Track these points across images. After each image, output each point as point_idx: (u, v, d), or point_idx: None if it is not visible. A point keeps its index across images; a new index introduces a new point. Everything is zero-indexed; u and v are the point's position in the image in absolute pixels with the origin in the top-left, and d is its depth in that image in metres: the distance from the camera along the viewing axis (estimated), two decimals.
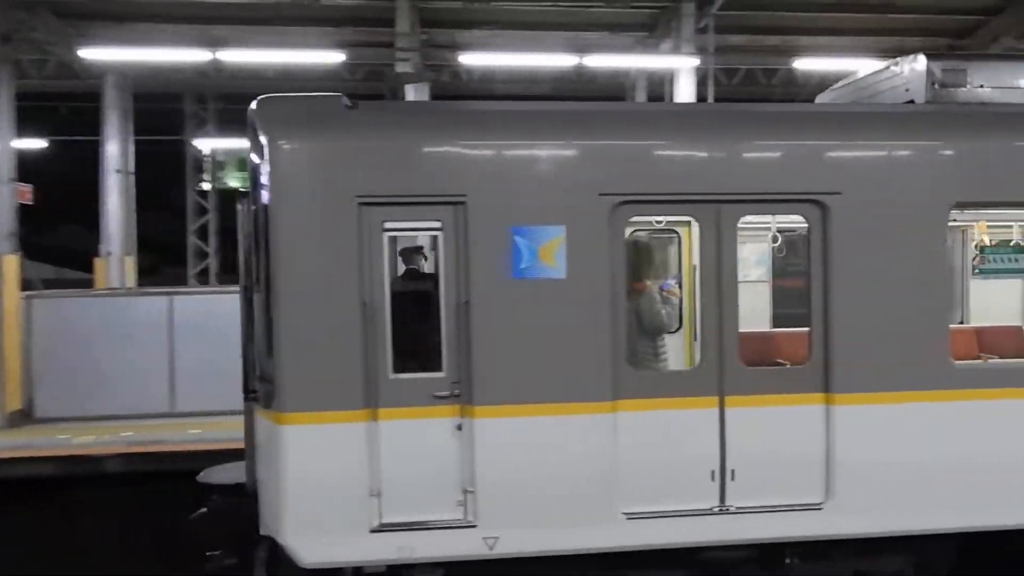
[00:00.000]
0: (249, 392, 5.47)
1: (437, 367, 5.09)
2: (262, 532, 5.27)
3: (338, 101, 5.22)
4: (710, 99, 11.43)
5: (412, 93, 11.55)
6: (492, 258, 5.06)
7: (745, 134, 5.53)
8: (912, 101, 6.08)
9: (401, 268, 5.48)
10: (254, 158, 5.37)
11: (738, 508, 5.28)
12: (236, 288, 5.60)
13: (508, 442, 5.07)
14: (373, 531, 5.01)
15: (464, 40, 11.96)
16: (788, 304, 7.10)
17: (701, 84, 11.48)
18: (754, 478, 5.27)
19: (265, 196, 5.07)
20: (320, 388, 4.97)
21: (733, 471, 5.25)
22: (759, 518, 5.28)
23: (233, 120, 16.92)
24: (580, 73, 11.94)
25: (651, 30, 12.03)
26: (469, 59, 12.02)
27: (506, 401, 5.06)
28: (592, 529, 5.15)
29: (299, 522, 4.96)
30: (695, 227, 5.88)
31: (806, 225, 5.41)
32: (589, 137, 5.31)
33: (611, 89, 12.30)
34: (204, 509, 5.92)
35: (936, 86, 5.98)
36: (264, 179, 5.06)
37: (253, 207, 5.42)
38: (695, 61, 11.28)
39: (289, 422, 4.96)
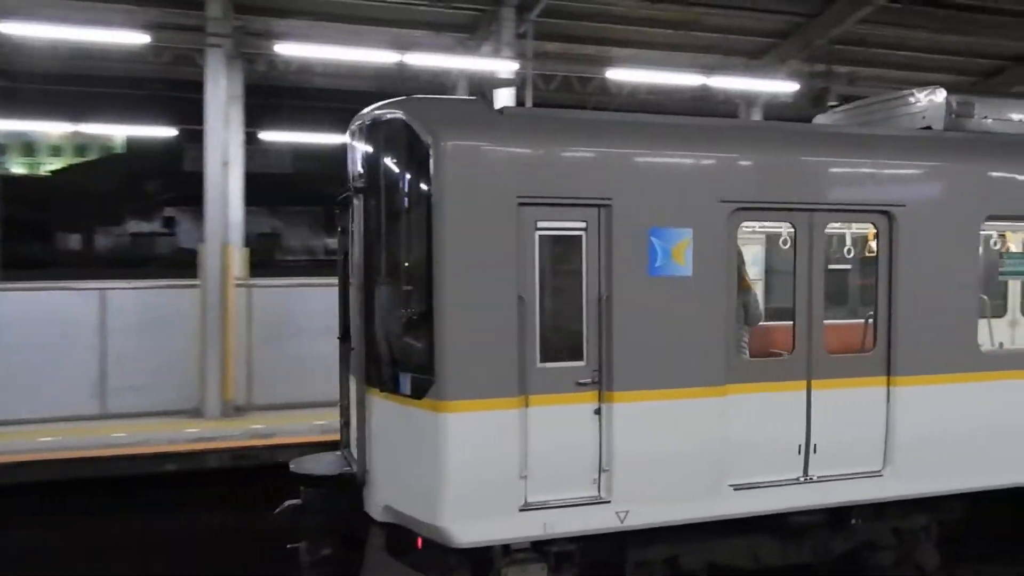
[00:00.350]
0: (370, 380, 5.69)
1: (579, 356, 5.52)
2: (380, 518, 5.58)
3: (487, 105, 5.90)
4: (528, 103, 11.75)
5: (223, 80, 11.02)
6: (632, 257, 5.57)
7: (833, 154, 6.28)
8: (929, 127, 6.98)
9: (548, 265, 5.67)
10: (393, 158, 5.73)
11: (819, 477, 6.07)
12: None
13: (639, 424, 5.57)
14: (521, 510, 5.36)
15: (281, 29, 11.66)
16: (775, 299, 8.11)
17: (520, 88, 11.80)
18: (831, 451, 6.08)
19: (421, 194, 5.32)
20: (480, 377, 5.25)
21: (815, 445, 6.04)
22: (834, 485, 6.11)
23: (17, 100, 15.31)
24: (402, 71, 11.87)
25: (472, 32, 12.17)
26: (286, 49, 11.68)
27: (639, 387, 5.56)
28: (706, 501, 5.78)
29: (456, 505, 5.23)
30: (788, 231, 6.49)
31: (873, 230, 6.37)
32: (714, 150, 5.93)
33: (432, 88, 12.31)
34: (295, 501, 6.11)
35: (953, 116, 6.91)
36: (421, 178, 5.31)
37: (376, 203, 5.71)
38: (514, 65, 11.55)
39: (451, 410, 5.20)
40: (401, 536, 5.61)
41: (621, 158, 5.67)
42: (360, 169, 5.96)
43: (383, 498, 5.61)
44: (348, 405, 6.21)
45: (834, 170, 6.23)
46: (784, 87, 12.49)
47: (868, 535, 6.49)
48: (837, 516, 6.33)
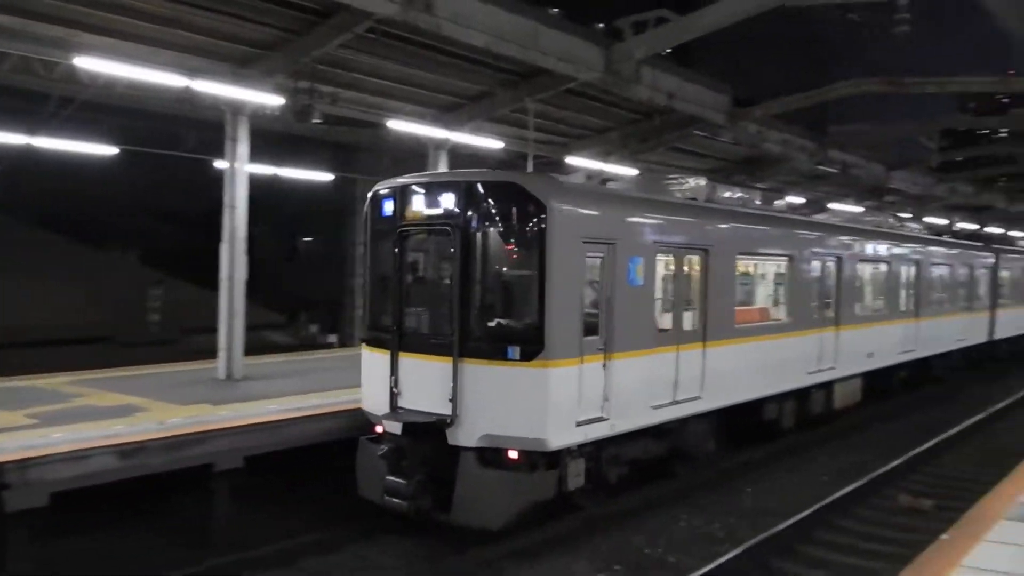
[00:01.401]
0: (465, 354, 8.60)
1: (597, 332, 9.07)
2: (476, 444, 8.54)
3: (560, 182, 9.74)
4: None
5: None
6: (622, 273, 9.33)
7: (681, 214, 11.24)
8: (695, 199, 11.91)
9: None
10: (505, 209, 8.85)
11: (680, 399, 10.36)
12: None
13: (622, 371, 9.27)
14: (577, 425, 8.81)
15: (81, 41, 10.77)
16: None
17: None
18: (685, 385, 10.43)
19: (537, 232, 8.61)
20: (563, 346, 8.59)
21: (679, 382, 10.33)
22: (685, 405, 10.48)
23: None
24: None
25: None
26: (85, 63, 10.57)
27: (622, 350, 9.27)
28: (644, 415, 9.84)
29: (552, 424, 8.51)
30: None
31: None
32: (652, 215, 10.32)
33: None
34: (395, 445, 8.99)
35: (708, 192, 12.13)
36: (539, 224, 8.60)
37: (484, 238, 8.89)
38: None
39: (552, 366, 8.47)
40: (487, 456, 8.60)
41: (620, 218, 9.80)
42: (457, 210, 8.84)
43: (480, 430, 8.57)
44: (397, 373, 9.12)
45: (681, 219, 11.06)
46: (271, 99, 12.61)
47: (693, 429, 11.00)
48: (685, 423, 10.71)
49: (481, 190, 8.94)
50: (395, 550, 9.05)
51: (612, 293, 9.21)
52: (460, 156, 18.11)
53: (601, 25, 32.36)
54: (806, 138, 22.39)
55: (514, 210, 8.79)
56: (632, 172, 19.38)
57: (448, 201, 8.93)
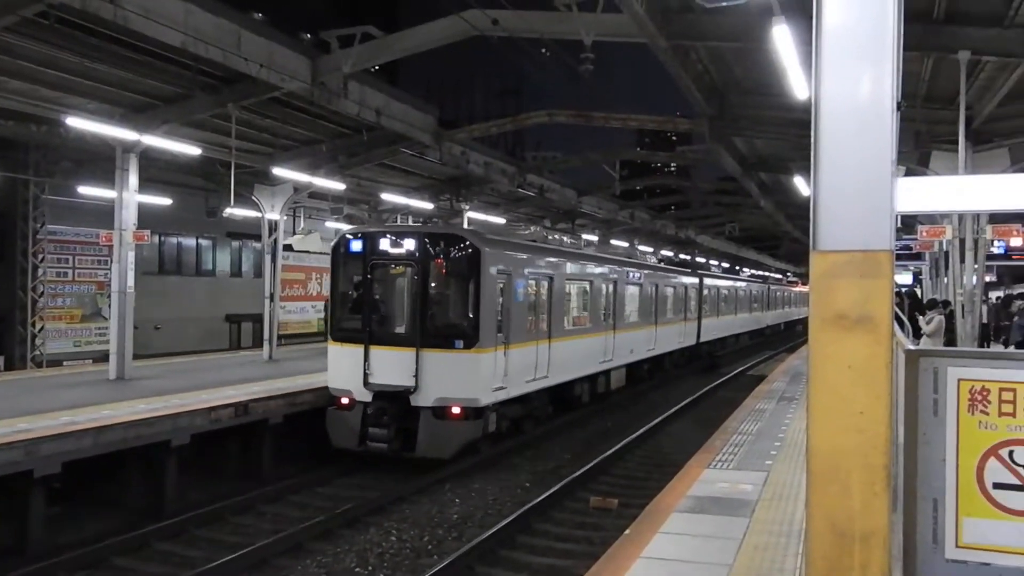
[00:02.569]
0: (425, 344, 12.77)
1: (501, 331, 13.64)
2: (432, 404, 12.65)
3: (482, 233, 14.43)
4: None
5: None
6: (512, 292, 14.00)
7: (539, 253, 16.05)
8: (534, 240, 17.38)
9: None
10: (452, 251, 13.31)
11: (538, 377, 15.13)
12: None
13: (513, 358, 13.87)
14: (494, 391, 13.25)
15: None
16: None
17: None
18: (544, 367, 15.33)
19: (472, 265, 13.11)
20: (490, 339, 13.02)
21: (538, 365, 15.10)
22: (542, 381, 15.35)
23: None
24: None
25: None
26: None
27: (514, 343, 13.85)
28: (524, 386, 14.54)
29: (481, 389, 12.91)
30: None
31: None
32: (547, 257, 16.38)
33: None
34: (375, 407, 12.82)
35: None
36: (473, 260, 13.10)
37: (437, 268, 13.39)
38: None
39: (482, 352, 12.82)
40: (438, 412, 12.66)
41: (512, 256, 14.46)
42: (417, 251, 13.17)
43: (434, 395, 12.67)
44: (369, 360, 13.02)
45: (545, 262, 15.92)
46: None
47: (540, 398, 15.83)
48: (539, 393, 15.40)
49: (435, 238, 13.47)
50: (371, 482, 12.55)
51: (508, 305, 13.82)
52: (154, 160, 16.76)
53: (308, 36, 31.90)
54: (507, 162, 23.64)
55: (458, 252, 13.25)
56: (340, 186, 19.21)
57: (410, 245, 13.27)
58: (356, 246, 13.59)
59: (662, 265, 28.65)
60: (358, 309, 13.53)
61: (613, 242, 29.52)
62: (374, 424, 12.72)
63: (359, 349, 13.08)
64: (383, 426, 12.65)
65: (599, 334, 18.57)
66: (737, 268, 55.57)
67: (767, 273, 60.71)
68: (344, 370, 13.29)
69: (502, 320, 13.52)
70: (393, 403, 12.77)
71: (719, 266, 45.12)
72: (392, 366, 12.87)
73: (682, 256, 41.72)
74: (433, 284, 13.30)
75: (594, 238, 28.07)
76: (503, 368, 13.52)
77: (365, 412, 12.84)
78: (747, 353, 37.66)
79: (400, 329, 13.39)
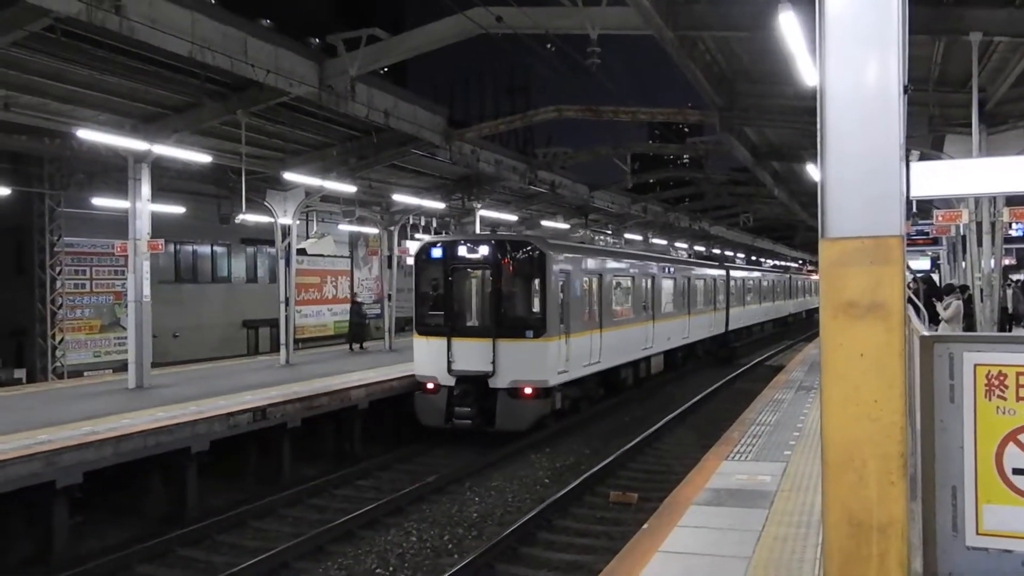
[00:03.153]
0: (500, 335, 14.82)
1: (563, 322, 15.74)
2: (505, 386, 14.65)
3: (546, 239, 16.28)
4: None
5: None
6: (571, 288, 16.06)
7: (590, 254, 18.25)
8: (583, 241, 24.18)
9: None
10: (523, 255, 15.34)
11: (592, 363, 17.09)
12: None
13: (573, 345, 15.81)
14: (558, 373, 15.18)
15: None
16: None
17: None
18: (596, 354, 17.33)
19: (539, 265, 15.14)
20: (556, 329, 15.05)
21: (591, 352, 17.10)
22: (595, 366, 17.33)
23: None
24: None
25: None
26: None
27: (574, 332, 15.85)
28: (582, 370, 16.49)
29: (549, 372, 14.83)
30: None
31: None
32: (597, 256, 18.81)
33: None
34: (459, 390, 14.84)
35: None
36: (540, 261, 15.18)
37: (510, 270, 15.42)
38: None
39: (548, 341, 14.83)
40: (512, 393, 14.62)
41: (571, 257, 16.49)
42: (491, 256, 15.30)
43: (509, 378, 14.64)
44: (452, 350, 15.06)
45: (596, 261, 17.96)
46: None
47: (593, 381, 17.72)
48: (592, 376, 17.46)
49: (506, 244, 15.58)
50: (386, 484, 12.81)
51: (568, 299, 15.75)
52: (166, 169, 16.86)
53: (315, 40, 31.98)
54: (517, 159, 23.61)
55: (525, 255, 15.34)
56: (351, 189, 19.26)
57: (484, 251, 15.40)
58: (437, 253, 15.75)
59: (693, 259, 31.51)
60: (440, 307, 15.60)
61: (639, 238, 30.10)
62: (459, 404, 14.77)
63: (442, 341, 15.13)
64: (467, 405, 14.71)
65: (641, 324, 20.59)
66: (759, 259, 55.67)
67: (788, 263, 60.97)
68: (429, 359, 15.35)
69: (563, 313, 15.52)
70: (474, 386, 14.81)
71: (744, 258, 46.92)
72: (472, 354, 14.95)
73: (714, 250, 43.54)
74: (505, 283, 15.39)
75: (638, 237, 32.83)
76: (565, 354, 15.53)
77: (450, 394, 14.91)
78: (765, 344, 37.43)
79: (478, 323, 15.54)
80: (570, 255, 16.57)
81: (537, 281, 15.21)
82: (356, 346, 22.94)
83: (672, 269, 24.29)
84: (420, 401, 15.31)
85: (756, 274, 40.95)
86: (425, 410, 15.25)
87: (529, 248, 15.38)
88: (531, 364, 14.80)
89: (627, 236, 34.14)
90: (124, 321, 19.87)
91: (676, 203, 39.52)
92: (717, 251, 43.84)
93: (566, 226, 30.30)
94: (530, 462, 13.99)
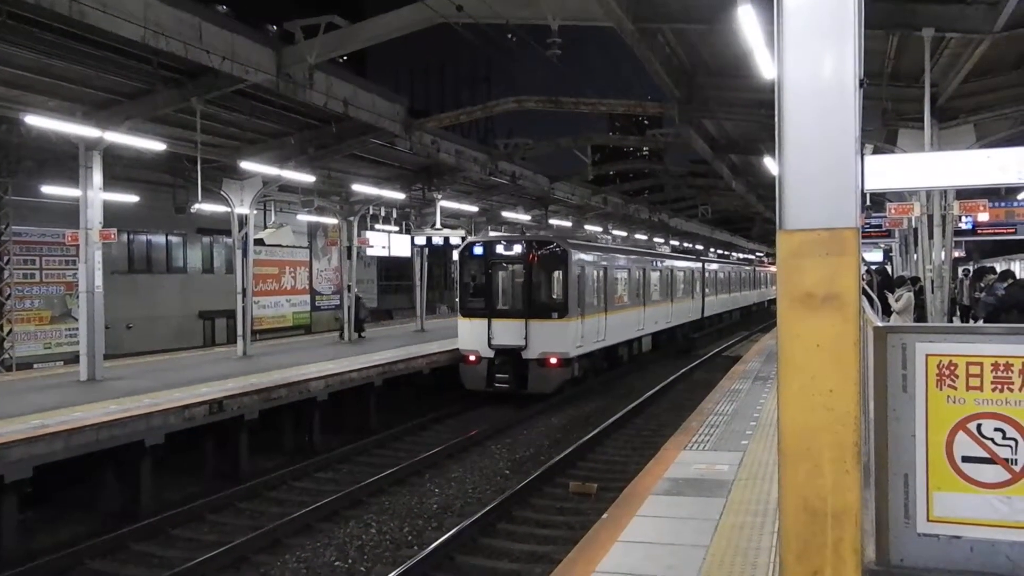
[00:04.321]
0: (530, 315, 18.45)
1: (580, 306, 19.28)
2: (535, 357, 18.29)
3: (568, 240, 20.46)
4: None
5: None
6: (585, 278, 19.89)
7: (598, 250, 22.13)
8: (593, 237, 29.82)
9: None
10: (549, 252, 19.14)
11: (600, 339, 20.80)
12: None
13: (587, 325, 19.54)
14: (576, 347, 18.89)
15: None
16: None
17: None
18: (602, 333, 21.29)
19: (563, 261, 18.93)
20: (575, 311, 18.80)
21: (599, 331, 20.85)
22: (602, 343, 21.17)
23: None
24: None
25: None
26: None
27: (587, 314, 19.58)
28: (593, 345, 20.33)
29: (571, 345, 18.61)
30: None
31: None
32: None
33: None
34: (499, 360, 18.41)
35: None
36: (565, 258, 18.95)
37: (540, 264, 19.15)
38: None
39: (569, 320, 18.55)
40: (541, 363, 18.27)
41: (586, 252, 20.42)
42: (523, 252, 19.09)
43: (538, 350, 18.24)
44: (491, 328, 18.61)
45: (602, 256, 21.57)
46: None
47: (599, 356, 21.44)
48: (600, 352, 21.22)
49: (535, 243, 19.29)
50: (345, 476, 12.89)
51: (583, 288, 19.28)
52: (119, 157, 16.49)
53: (273, 27, 31.48)
54: (478, 150, 23.52)
55: (551, 252, 19.04)
56: (310, 178, 19.04)
57: (518, 248, 19.22)
58: (478, 250, 19.46)
59: (674, 254, 36.38)
60: (481, 293, 19.15)
61: (614, 233, 31.24)
62: (499, 372, 18.34)
63: (483, 321, 18.66)
64: (505, 372, 18.29)
65: (635, 309, 24.23)
66: (727, 253, 57.17)
67: (750, 256, 62.80)
68: (472, 336, 18.80)
69: (580, 298, 18.99)
70: (510, 357, 18.31)
71: (715, 252, 50.63)
72: (508, 332, 18.44)
73: (686, 244, 47.80)
74: (535, 275, 18.95)
75: (643, 237, 38.25)
76: (581, 332, 19.07)
77: (491, 364, 18.41)
78: (722, 335, 37.91)
79: (513, 306, 19.01)
80: (584, 251, 20.19)
81: (560, 273, 18.84)
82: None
83: (658, 263, 28.09)
84: (465, 370, 18.76)
85: (728, 267, 45.25)
86: (468, 378, 18.71)
87: (553, 246, 19.03)
88: (556, 339, 18.31)
89: (615, 232, 36.07)
90: (75, 312, 19.43)
91: (636, 195, 39.73)
92: (688, 246, 46.89)
93: (526, 218, 30.77)
94: (490, 453, 14.00)
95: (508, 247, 19.20)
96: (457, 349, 19.15)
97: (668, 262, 29.94)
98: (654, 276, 26.77)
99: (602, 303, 20.79)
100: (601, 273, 20.86)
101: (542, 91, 18.09)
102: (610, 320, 21.25)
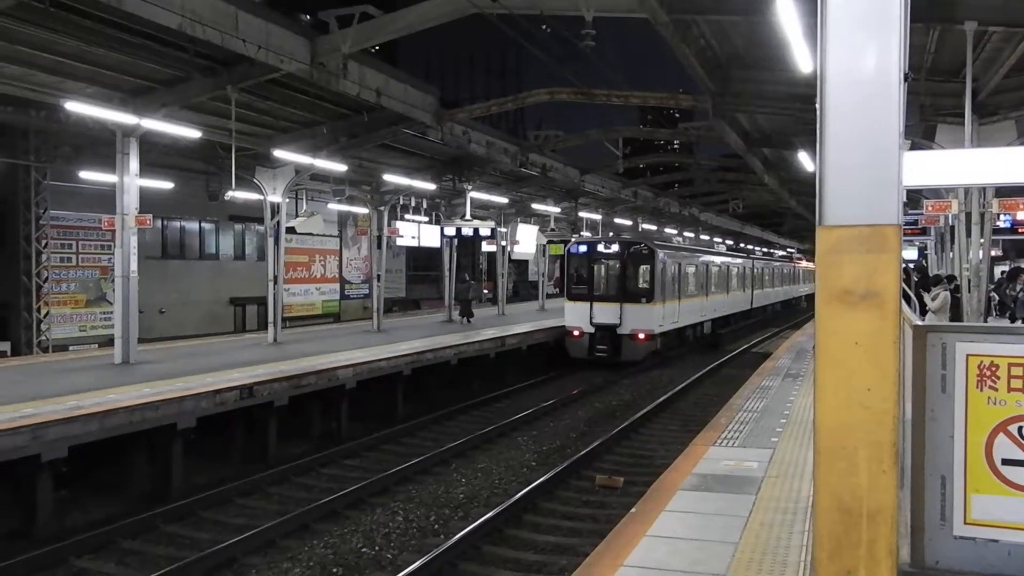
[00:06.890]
0: (624, 299, 23.68)
1: (657, 292, 24.02)
2: (627, 332, 23.25)
3: (655, 241, 26.42)
4: None
5: None
6: (665, 270, 24.62)
7: (673, 248, 27.78)
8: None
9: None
10: (640, 251, 24.24)
11: (675, 321, 25.82)
12: None
13: (667, 308, 24.69)
14: (658, 325, 23.85)
15: None
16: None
17: None
18: (677, 316, 26.06)
19: (651, 258, 24.13)
20: (659, 297, 23.81)
21: (676, 314, 25.86)
22: (676, 324, 25.97)
23: None
24: None
25: None
26: None
27: (666, 300, 24.57)
28: (671, 325, 25.47)
29: (656, 322, 23.67)
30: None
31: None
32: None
33: None
34: (599, 335, 23.42)
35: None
36: (650, 256, 24.07)
37: (633, 260, 24.28)
38: None
39: (654, 305, 23.76)
40: (632, 337, 23.20)
41: (666, 251, 25.28)
42: (620, 251, 24.21)
43: (630, 327, 23.25)
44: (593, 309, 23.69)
45: (678, 254, 27.12)
46: None
47: (675, 335, 26.16)
48: (675, 331, 26.00)
49: (629, 243, 24.22)
50: (373, 464, 13.13)
51: (664, 279, 23.80)
52: (155, 144, 16.68)
53: (307, 17, 31.61)
54: (509, 141, 23.49)
55: (642, 250, 23.86)
56: (342, 167, 19.14)
57: (615, 247, 24.09)
58: (582, 248, 24.62)
59: (729, 252, 41.75)
60: (584, 282, 24.14)
61: (686, 234, 30.61)
62: (599, 344, 23.05)
63: (586, 304, 23.56)
64: (604, 344, 22.99)
65: (699, 298, 28.60)
66: (771, 251, 58.13)
67: (786, 253, 63.19)
68: (576, 316, 23.60)
69: (662, 287, 23.64)
70: (607, 332, 23.04)
71: (762, 251, 55.34)
72: (606, 312, 23.28)
73: (727, 241, 52.90)
74: (628, 268, 23.79)
75: (706, 237, 45.73)
76: (663, 314, 23.79)
77: (592, 337, 23.15)
78: (752, 330, 37.62)
79: (609, 292, 23.77)
80: (665, 250, 24.78)
81: (648, 267, 23.62)
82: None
83: (716, 259, 32.69)
84: (571, 343, 23.46)
85: (773, 264, 50.28)
86: (574, 349, 23.40)
87: (645, 246, 24.00)
88: (644, 318, 23.05)
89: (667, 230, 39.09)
90: (110, 296, 19.75)
91: (666, 188, 39.48)
92: (729, 243, 51.68)
93: (556, 210, 31.16)
94: (517, 444, 14.02)
95: (607, 246, 24.27)
96: (489, 339, 20.24)
97: (725, 259, 35.11)
98: (714, 271, 31.15)
99: (676, 292, 25.24)
100: (677, 268, 25.41)
101: (574, 83, 17.88)
102: (682, 306, 25.95)
